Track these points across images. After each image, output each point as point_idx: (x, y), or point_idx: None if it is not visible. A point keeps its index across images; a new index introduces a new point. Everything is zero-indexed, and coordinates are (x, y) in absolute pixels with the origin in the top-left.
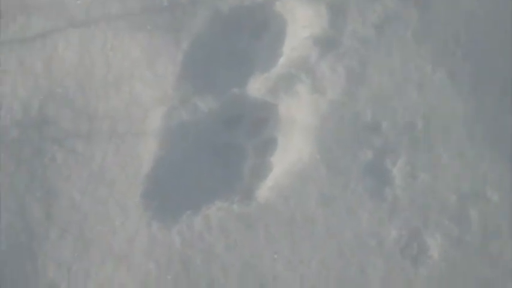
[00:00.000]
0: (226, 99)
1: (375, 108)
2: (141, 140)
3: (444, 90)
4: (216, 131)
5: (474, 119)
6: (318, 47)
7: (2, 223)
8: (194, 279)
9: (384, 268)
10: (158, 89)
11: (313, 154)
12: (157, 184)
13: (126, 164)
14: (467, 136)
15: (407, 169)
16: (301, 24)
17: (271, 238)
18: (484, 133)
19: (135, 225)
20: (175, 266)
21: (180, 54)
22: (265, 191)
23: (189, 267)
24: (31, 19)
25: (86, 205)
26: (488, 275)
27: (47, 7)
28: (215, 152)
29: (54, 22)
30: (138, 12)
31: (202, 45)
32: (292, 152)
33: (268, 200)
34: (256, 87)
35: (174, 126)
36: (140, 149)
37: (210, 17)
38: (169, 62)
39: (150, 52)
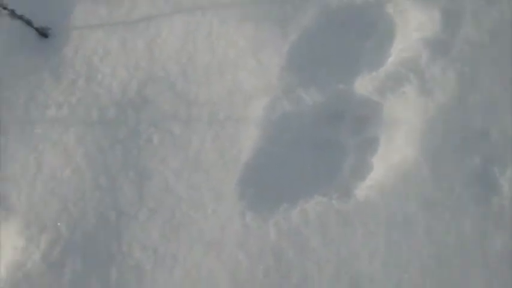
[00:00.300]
0: (332, 93)
1: (484, 114)
2: (242, 128)
3: None
4: (318, 125)
5: None
6: (428, 50)
7: (93, 200)
8: (286, 272)
9: (488, 279)
10: (262, 78)
11: (417, 156)
12: (256, 173)
13: (224, 151)
14: None
15: None
16: (411, 27)
17: (369, 237)
18: None
19: (229, 213)
20: (267, 258)
21: (286, 46)
22: (365, 189)
23: (282, 260)
24: (137, 4)
25: (180, 189)
26: None
27: None
28: (316, 146)
29: (160, 8)
30: (246, 3)
31: (309, 40)
32: (394, 153)
33: (367, 198)
34: (364, 84)
35: (277, 116)
36: (240, 137)
37: (319, 13)
38: (274, 53)
39: (256, 42)
